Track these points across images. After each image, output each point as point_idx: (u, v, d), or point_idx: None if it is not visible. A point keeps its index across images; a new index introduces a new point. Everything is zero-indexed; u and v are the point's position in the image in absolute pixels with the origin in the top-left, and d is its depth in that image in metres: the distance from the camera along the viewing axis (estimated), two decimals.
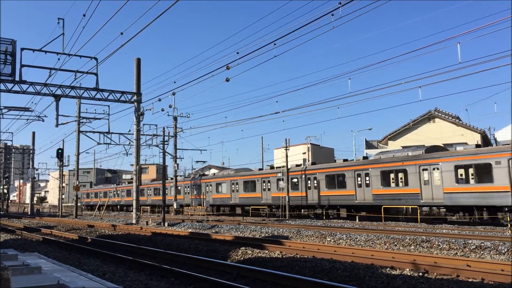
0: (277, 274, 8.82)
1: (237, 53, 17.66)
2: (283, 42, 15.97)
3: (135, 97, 28.34)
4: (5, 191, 69.32)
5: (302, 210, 32.84)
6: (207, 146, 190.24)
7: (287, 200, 32.88)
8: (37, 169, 57.57)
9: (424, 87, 21.35)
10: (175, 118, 39.32)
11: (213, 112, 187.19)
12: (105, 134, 32.18)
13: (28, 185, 77.23)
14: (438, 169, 23.83)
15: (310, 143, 52.05)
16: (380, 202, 26.81)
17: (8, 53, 21.42)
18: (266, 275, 8.98)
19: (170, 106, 35.99)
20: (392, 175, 26.26)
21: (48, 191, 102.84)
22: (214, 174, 46.00)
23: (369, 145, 50.36)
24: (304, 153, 50.39)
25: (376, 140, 49.30)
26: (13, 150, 66.01)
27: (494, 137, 42.43)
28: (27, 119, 31.97)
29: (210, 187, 42.24)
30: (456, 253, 12.35)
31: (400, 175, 25.75)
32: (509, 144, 21.76)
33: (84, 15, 16.98)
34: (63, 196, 50.91)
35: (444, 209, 24.21)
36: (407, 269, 9.47)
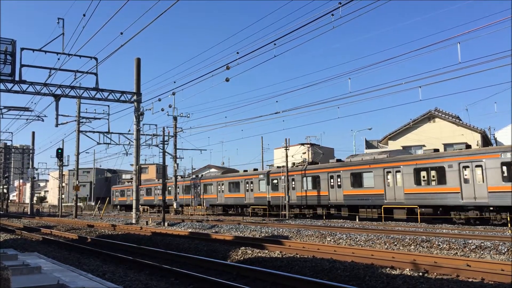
0: (277, 274, 8.82)
1: (237, 53, 17.65)
2: (283, 42, 15.97)
3: (135, 97, 28.34)
4: (5, 191, 69.28)
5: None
6: (207, 146, 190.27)
7: (287, 200, 32.96)
8: (37, 169, 57.63)
9: (424, 87, 21.36)
10: (175, 118, 39.31)
11: (213, 112, 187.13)
12: (105, 134, 32.18)
13: (28, 185, 77.16)
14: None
15: (310, 143, 52.05)
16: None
17: (8, 53, 21.40)
18: (266, 275, 8.97)
19: (170, 106, 35.98)
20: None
21: (48, 191, 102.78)
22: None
23: (369, 145, 50.36)
24: (304, 153, 50.40)
25: (376, 140, 49.30)
26: (13, 150, 66.02)
27: (494, 137, 42.41)
28: (27, 119, 31.98)
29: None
30: (456, 253, 12.34)
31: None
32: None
33: (84, 15, 16.99)
34: (63, 196, 50.89)
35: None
36: (407, 269, 9.46)
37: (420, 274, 9.02)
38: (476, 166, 22.38)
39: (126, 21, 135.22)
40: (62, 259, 11.17)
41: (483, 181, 21.92)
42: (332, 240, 16.10)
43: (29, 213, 54.29)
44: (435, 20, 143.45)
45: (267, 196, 35.22)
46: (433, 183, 24.11)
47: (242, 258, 11.80)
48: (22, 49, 22.80)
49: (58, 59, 23.47)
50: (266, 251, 12.62)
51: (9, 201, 71.29)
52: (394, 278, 8.40)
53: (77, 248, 15.04)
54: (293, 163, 36.91)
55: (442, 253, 12.53)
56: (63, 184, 51.92)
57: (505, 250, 11.79)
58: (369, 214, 27.44)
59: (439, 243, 13.28)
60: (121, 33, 18.41)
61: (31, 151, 56.02)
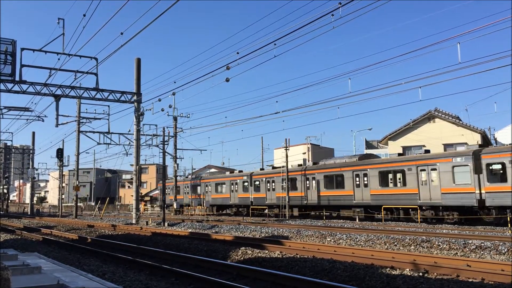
0: (277, 274, 8.82)
1: (237, 53, 17.61)
2: (283, 42, 15.91)
3: (135, 97, 28.34)
4: (5, 191, 69.25)
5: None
6: (207, 146, 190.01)
7: (287, 200, 33.00)
8: (37, 169, 57.57)
9: (424, 87, 21.35)
10: (175, 118, 39.31)
11: (213, 112, 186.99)
12: (105, 134, 32.16)
13: (28, 185, 77.15)
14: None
15: (310, 143, 52.06)
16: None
17: (8, 53, 21.40)
18: (266, 275, 8.97)
19: (170, 106, 36.01)
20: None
21: (48, 191, 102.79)
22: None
23: (369, 145, 50.37)
24: (304, 153, 50.42)
25: (376, 140, 49.28)
26: (13, 150, 65.97)
27: (494, 137, 42.40)
28: (27, 119, 31.98)
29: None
30: (456, 253, 12.34)
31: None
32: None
33: (84, 15, 16.94)
34: (63, 196, 50.90)
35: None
36: (407, 269, 9.46)
37: (420, 274, 9.02)
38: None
39: (126, 21, 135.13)
40: (62, 259, 11.17)
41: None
42: (332, 240, 16.10)
43: (29, 213, 54.27)
44: (435, 20, 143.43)
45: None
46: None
47: (242, 258, 11.80)
48: (22, 49, 22.82)
49: (58, 59, 23.49)
50: (266, 251, 12.62)
51: (9, 201, 71.24)
52: (394, 278, 8.40)
53: (77, 248, 15.04)
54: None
55: (442, 253, 12.52)
56: (63, 184, 51.94)
57: (505, 250, 11.79)
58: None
59: (439, 243, 13.28)
60: (121, 33, 18.38)
61: (31, 151, 56.02)
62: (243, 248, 13.01)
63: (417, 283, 7.91)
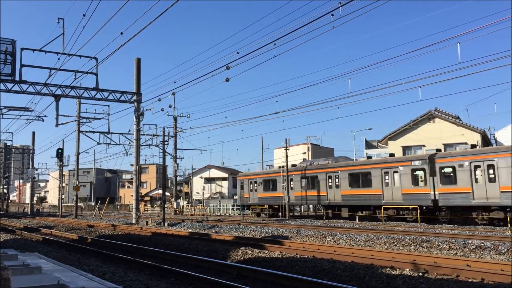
0: (277, 274, 8.82)
1: (237, 53, 17.63)
2: (283, 42, 15.92)
3: (135, 97, 28.33)
4: (5, 191, 69.23)
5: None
6: (207, 146, 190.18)
7: (287, 200, 33.00)
8: (37, 169, 57.59)
9: (424, 87, 21.42)
10: (175, 118, 39.35)
11: (213, 112, 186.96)
12: (105, 134, 32.18)
13: (28, 185, 77.11)
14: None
15: (310, 143, 52.07)
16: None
17: (8, 53, 21.39)
18: (266, 275, 8.97)
19: (170, 106, 36.02)
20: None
21: (48, 191, 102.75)
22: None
23: (369, 145, 50.38)
24: (304, 153, 50.44)
25: (376, 140, 49.28)
26: (13, 150, 65.99)
27: (494, 137, 42.37)
28: (27, 119, 32.00)
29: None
30: (456, 253, 12.34)
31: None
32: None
33: (84, 15, 16.97)
34: (63, 196, 50.88)
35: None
36: (407, 269, 9.46)
37: (420, 274, 9.02)
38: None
39: (126, 21, 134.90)
40: (62, 259, 11.16)
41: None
42: (332, 240, 16.10)
43: (29, 213, 54.26)
44: (435, 20, 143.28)
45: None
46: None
47: (242, 258, 11.80)
48: (22, 49, 22.83)
49: (58, 59, 23.50)
50: (266, 251, 12.62)
51: (9, 201, 71.23)
52: (394, 278, 8.40)
53: (77, 248, 15.04)
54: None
55: (442, 253, 12.52)
56: (63, 184, 51.94)
57: (505, 250, 11.79)
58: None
59: (439, 243, 13.28)
60: (121, 33, 18.42)
61: (31, 151, 56.01)
62: (243, 248, 13.01)
63: (417, 283, 7.91)
